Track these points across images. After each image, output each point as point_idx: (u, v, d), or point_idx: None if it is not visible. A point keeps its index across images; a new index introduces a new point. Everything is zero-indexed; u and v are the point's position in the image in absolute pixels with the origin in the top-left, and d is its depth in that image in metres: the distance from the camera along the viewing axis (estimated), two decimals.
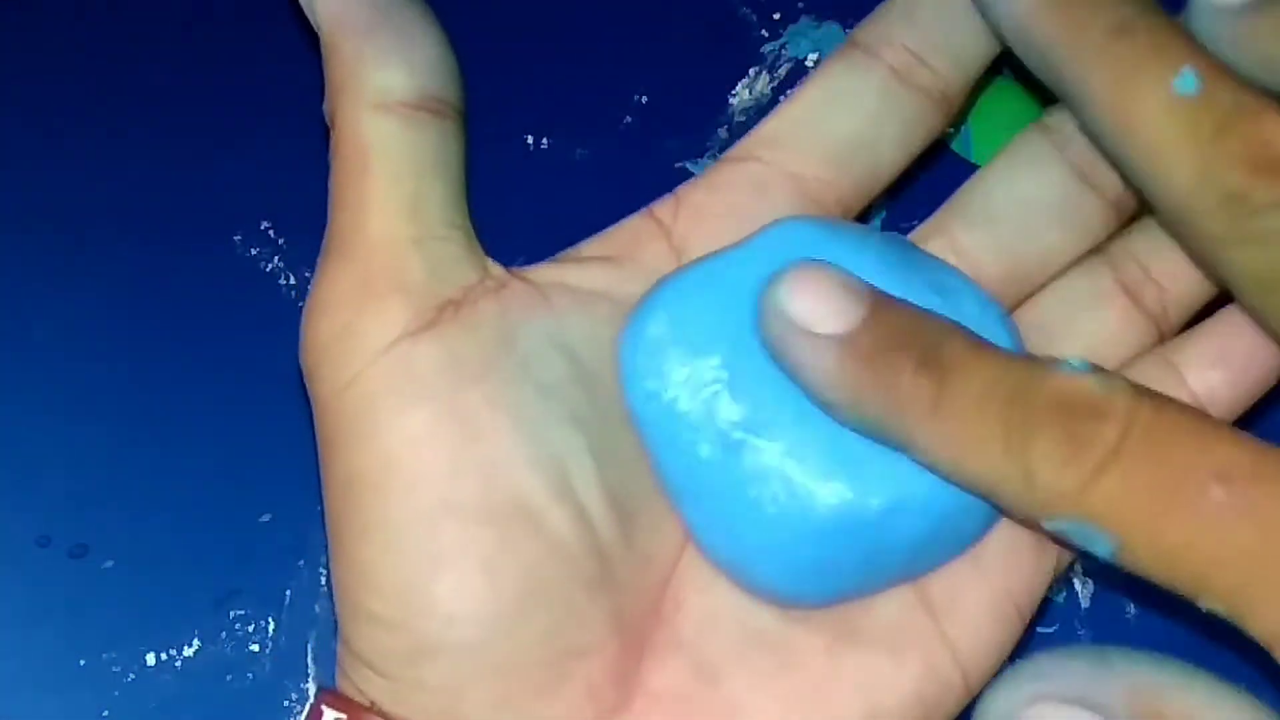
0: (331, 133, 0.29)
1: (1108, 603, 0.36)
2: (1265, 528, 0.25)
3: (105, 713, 0.35)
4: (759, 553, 0.29)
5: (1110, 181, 0.31)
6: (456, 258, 0.29)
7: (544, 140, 0.38)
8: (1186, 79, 0.27)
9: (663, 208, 0.31)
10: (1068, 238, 0.32)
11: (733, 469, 0.29)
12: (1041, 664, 0.26)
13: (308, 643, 0.35)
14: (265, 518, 0.36)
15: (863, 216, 0.33)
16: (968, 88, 0.32)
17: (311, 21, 0.30)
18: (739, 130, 0.36)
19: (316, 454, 0.36)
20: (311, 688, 0.35)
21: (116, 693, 0.35)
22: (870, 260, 0.30)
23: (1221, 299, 0.32)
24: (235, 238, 0.37)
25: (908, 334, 0.27)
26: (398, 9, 0.29)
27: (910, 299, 0.29)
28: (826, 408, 0.28)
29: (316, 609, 0.35)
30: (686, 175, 0.36)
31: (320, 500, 0.36)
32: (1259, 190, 0.26)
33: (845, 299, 0.27)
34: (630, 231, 0.31)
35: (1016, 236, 0.31)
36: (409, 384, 0.28)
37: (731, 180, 0.31)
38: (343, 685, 0.29)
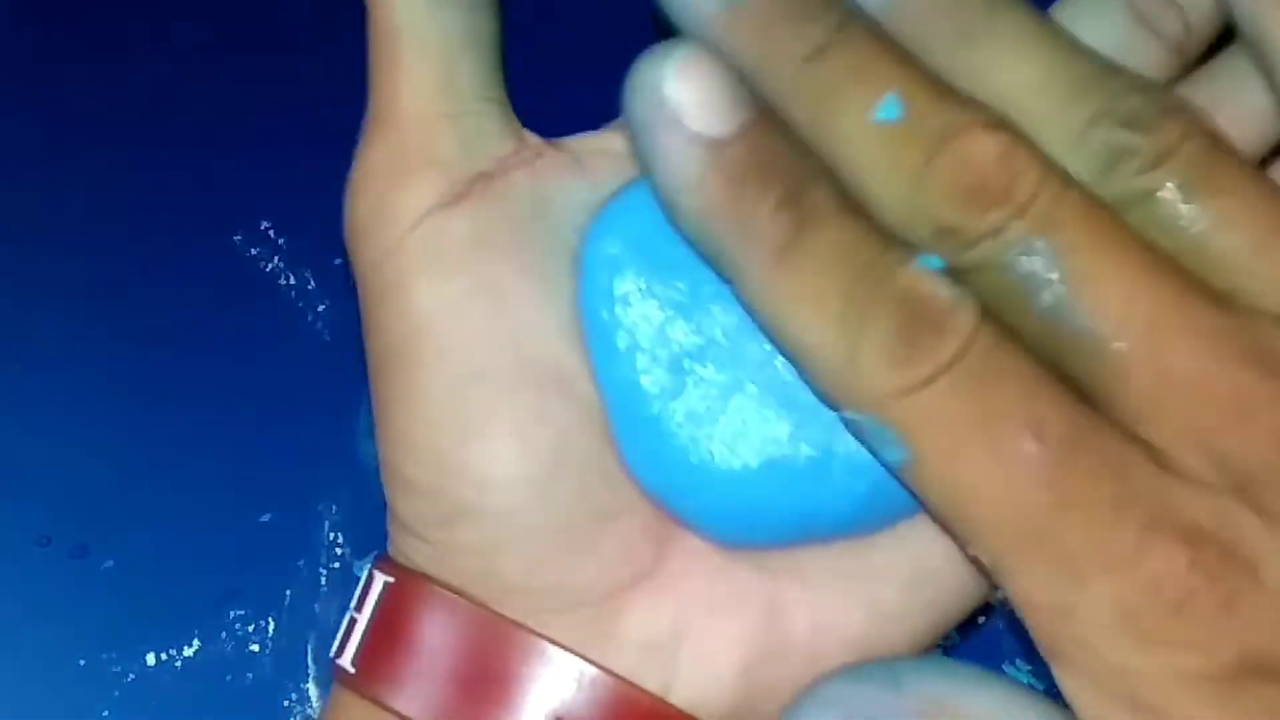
0: (368, 14, 0.30)
1: None
2: (1061, 497, 0.24)
3: (105, 713, 0.35)
4: (687, 492, 0.29)
5: (1172, 26, 0.30)
6: (489, 131, 0.30)
7: None
8: (888, 106, 0.25)
9: None
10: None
11: (672, 405, 0.28)
12: (830, 691, 0.26)
13: (308, 643, 0.35)
14: (265, 518, 0.36)
15: None
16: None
17: None
18: None
19: (317, 454, 0.36)
20: (312, 688, 0.35)
21: (116, 693, 0.35)
22: None
23: None
24: (235, 238, 0.37)
25: (782, 164, 0.26)
26: None
27: None
28: (670, 209, 0.27)
29: (316, 609, 0.35)
30: None
31: (320, 500, 0.36)
32: (969, 221, 0.25)
33: (730, 101, 0.26)
34: None
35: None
36: (441, 255, 0.28)
37: None
38: (392, 553, 0.30)
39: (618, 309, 0.29)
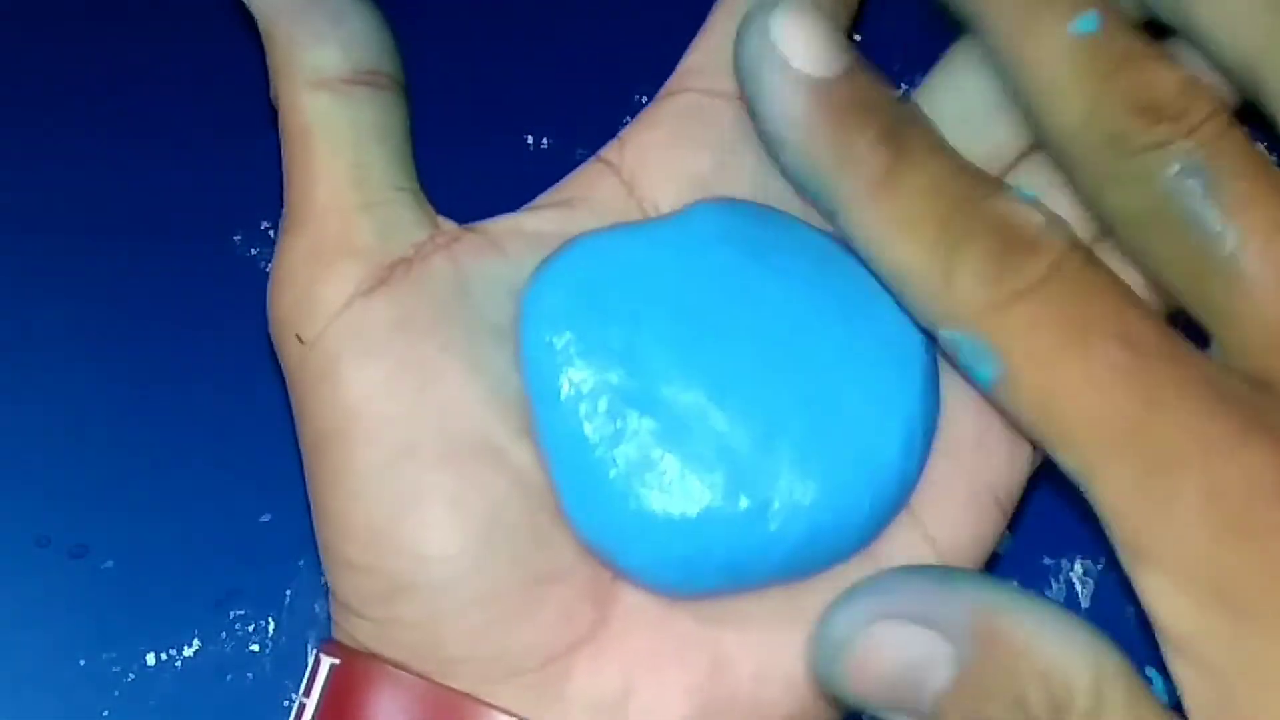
0: (278, 114, 0.31)
1: (1108, 603, 0.36)
2: (1149, 402, 0.25)
3: (105, 713, 0.35)
4: (627, 540, 0.29)
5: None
6: (405, 218, 0.30)
7: (544, 140, 0.38)
8: (1089, 19, 0.27)
9: (609, 151, 0.32)
10: (1012, 131, 0.31)
11: (612, 453, 0.29)
12: (884, 582, 0.26)
13: (308, 643, 0.35)
14: (265, 518, 0.36)
15: None
16: None
17: (250, 9, 0.31)
18: None
19: None
20: None
21: (116, 693, 0.35)
22: (793, 248, 0.29)
23: None
24: (235, 238, 0.37)
25: (881, 105, 0.28)
26: None
27: (828, 301, 0.29)
28: (776, 145, 0.28)
29: (316, 609, 0.35)
30: None
31: None
32: (1138, 132, 0.26)
33: (833, 46, 0.28)
34: (580, 177, 0.32)
35: (963, 137, 0.31)
36: (364, 340, 0.29)
37: (669, 111, 0.32)
38: (337, 634, 0.30)
39: (558, 360, 0.29)
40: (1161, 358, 0.26)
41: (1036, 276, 0.26)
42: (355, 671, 0.29)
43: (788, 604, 0.29)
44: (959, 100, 0.31)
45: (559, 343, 0.29)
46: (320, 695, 0.29)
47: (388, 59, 0.31)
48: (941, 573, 0.27)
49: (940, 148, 0.28)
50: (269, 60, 0.31)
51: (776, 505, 0.29)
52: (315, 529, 0.30)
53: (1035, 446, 0.31)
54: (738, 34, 0.28)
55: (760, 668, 0.29)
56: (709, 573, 0.29)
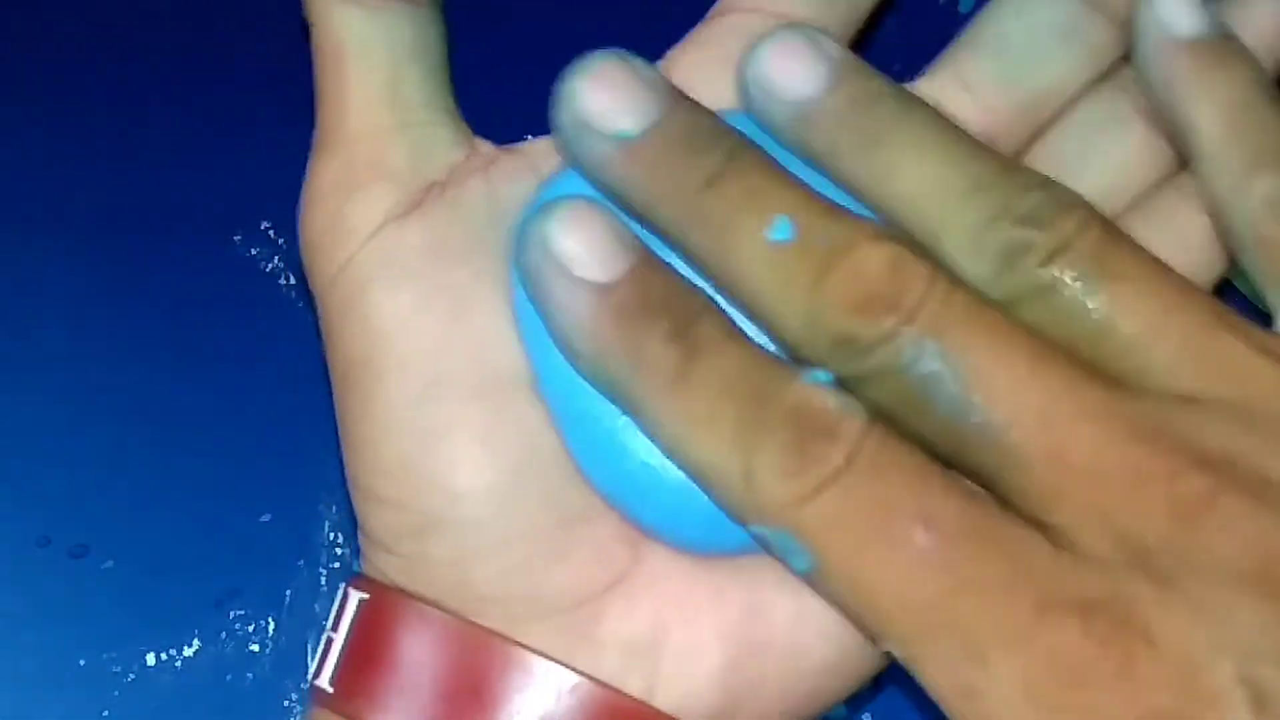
0: (311, 31, 0.30)
1: None
2: (955, 584, 0.25)
3: (105, 713, 0.35)
4: (644, 500, 0.28)
5: (1119, 2, 0.31)
6: (439, 140, 0.30)
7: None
8: (780, 226, 0.27)
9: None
10: (1077, 62, 0.31)
11: (607, 409, 0.28)
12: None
13: (308, 643, 0.35)
14: (265, 518, 0.36)
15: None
16: None
17: None
18: None
19: (317, 454, 0.36)
20: None
21: (116, 693, 0.35)
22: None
23: None
24: (235, 238, 0.37)
25: (668, 301, 0.27)
26: None
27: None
28: (567, 353, 0.28)
29: (316, 609, 0.35)
30: None
31: (320, 500, 0.36)
32: (863, 330, 0.26)
33: (614, 248, 0.27)
34: None
35: (1024, 65, 0.31)
36: (396, 266, 0.28)
37: (718, 31, 0.31)
38: (366, 569, 0.30)
39: None
40: (963, 535, 0.25)
41: (834, 466, 0.26)
42: (384, 606, 0.29)
43: None
44: (1025, 28, 0.31)
45: None
46: (349, 629, 0.29)
47: None
48: None
49: (734, 337, 0.27)
50: None
51: None
52: (344, 461, 0.30)
53: None
54: (517, 241, 0.28)
55: (796, 614, 0.28)
56: (732, 534, 0.28)
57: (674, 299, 0.27)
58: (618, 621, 0.28)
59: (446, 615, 0.28)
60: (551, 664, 0.28)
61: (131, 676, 0.35)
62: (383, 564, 0.29)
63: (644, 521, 0.28)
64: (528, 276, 0.28)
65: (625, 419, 0.28)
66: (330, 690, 0.29)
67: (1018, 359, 0.26)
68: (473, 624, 0.28)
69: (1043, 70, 0.31)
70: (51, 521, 0.36)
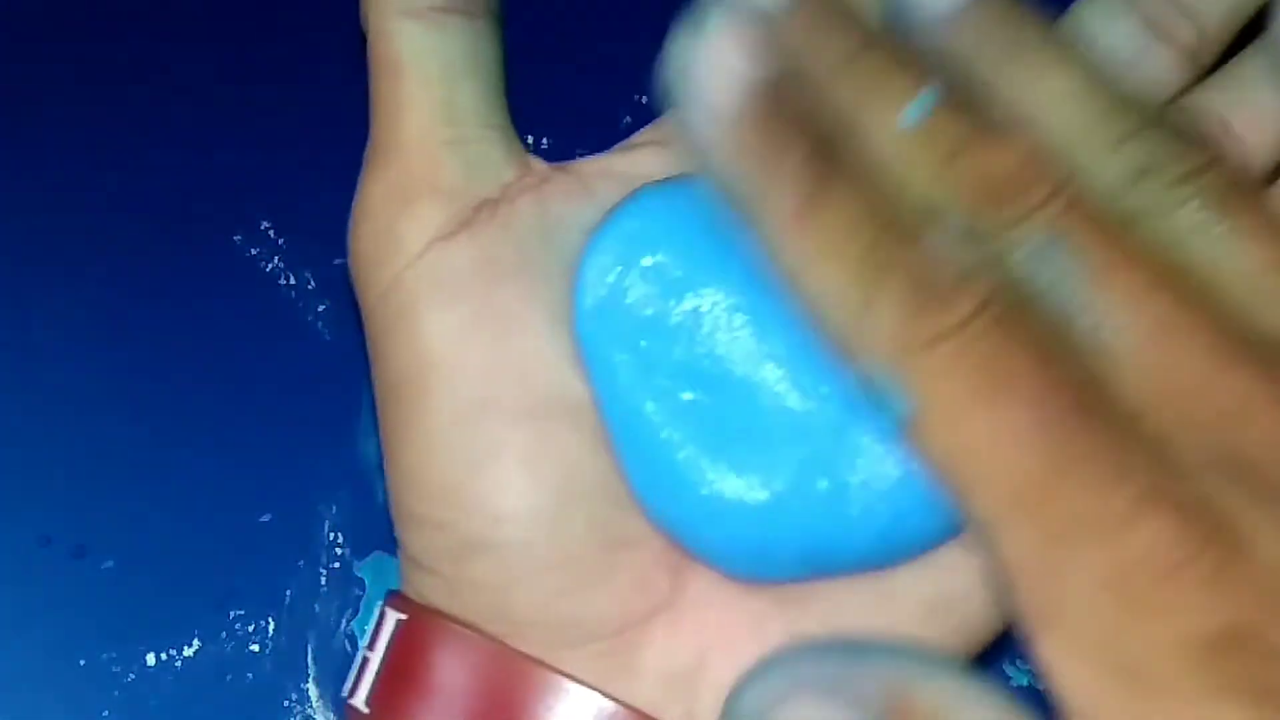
0: (368, 42, 0.30)
1: None
2: (1056, 463, 0.24)
3: (105, 713, 0.35)
4: (697, 525, 0.27)
5: (1184, 33, 0.31)
6: (493, 157, 0.29)
7: (544, 140, 0.38)
8: (918, 104, 0.26)
9: None
10: (1228, 15, 0.30)
11: (678, 433, 0.27)
12: (795, 656, 0.25)
13: (308, 643, 0.35)
14: (265, 518, 0.36)
15: None
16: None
17: None
18: None
19: (317, 454, 0.36)
20: (312, 688, 0.35)
21: (116, 693, 0.35)
22: None
23: None
24: (235, 238, 0.37)
25: (812, 120, 0.26)
26: None
27: None
28: (704, 148, 0.26)
29: (316, 609, 0.35)
30: None
31: (320, 500, 0.36)
32: (987, 214, 0.25)
33: (769, 49, 0.26)
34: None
35: (1172, 22, 0.30)
36: (445, 285, 0.28)
37: None
38: (404, 590, 0.30)
39: (622, 327, 0.27)
40: (1072, 421, 0.25)
41: (956, 320, 0.25)
42: (422, 628, 0.28)
43: (869, 589, 0.29)
44: None
45: (627, 306, 0.28)
46: (386, 650, 0.29)
47: None
48: (851, 646, 0.26)
49: (877, 171, 0.26)
50: None
51: (858, 487, 0.27)
52: (387, 479, 0.29)
53: None
54: (675, 37, 0.26)
55: None
56: (785, 560, 0.27)
57: (820, 120, 0.26)
58: (657, 650, 0.28)
59: (484, 639, 0.28)
60: (589, 690, 0.27)
61: (131, 676, 0.35)
62: (422, 584, 0.29)
63: (699, 550, 0.28)
64: (680, 68, 0.26)
65: (690, 449, 0.27)
66: (365, 710, 0.29)
67: (1137, 270, 0.25)
68: (510, 649, 0.28)
69: (1187, 24, 0.30)
70: (51, 521, 0.36)
